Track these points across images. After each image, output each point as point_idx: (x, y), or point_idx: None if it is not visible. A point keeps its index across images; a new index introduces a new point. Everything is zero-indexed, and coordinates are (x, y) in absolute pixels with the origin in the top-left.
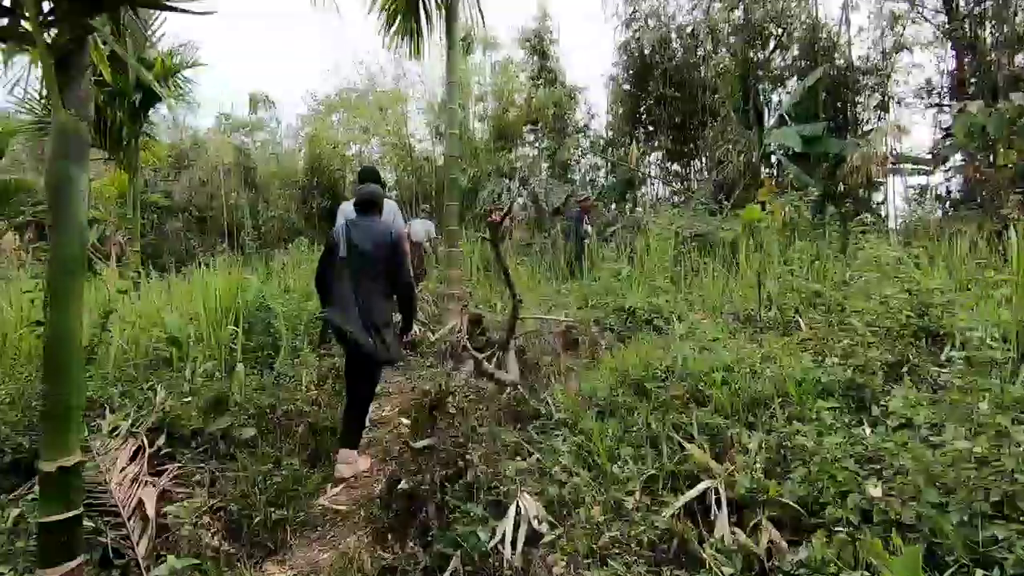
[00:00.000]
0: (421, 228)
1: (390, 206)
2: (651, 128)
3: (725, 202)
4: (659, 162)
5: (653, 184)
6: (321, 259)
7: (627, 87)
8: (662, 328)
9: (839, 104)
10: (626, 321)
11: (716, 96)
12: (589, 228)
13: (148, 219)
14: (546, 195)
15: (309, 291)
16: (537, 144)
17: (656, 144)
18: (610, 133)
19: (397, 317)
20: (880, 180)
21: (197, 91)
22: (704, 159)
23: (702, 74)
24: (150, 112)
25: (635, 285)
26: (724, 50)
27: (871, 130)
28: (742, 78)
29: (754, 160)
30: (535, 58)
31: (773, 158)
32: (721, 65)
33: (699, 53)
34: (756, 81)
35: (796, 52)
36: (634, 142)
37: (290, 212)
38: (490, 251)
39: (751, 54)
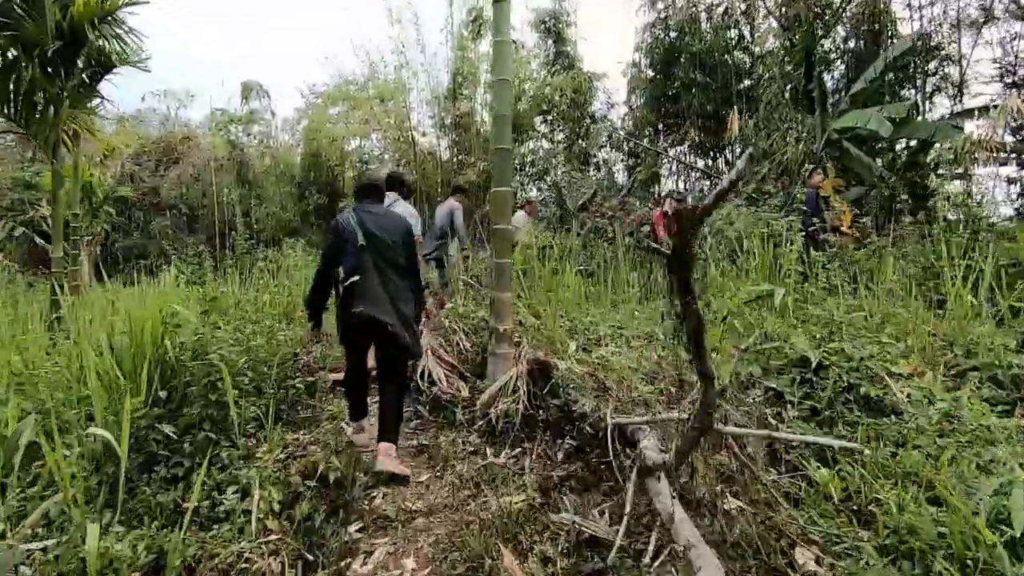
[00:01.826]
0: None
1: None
2: (675, 119)
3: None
4: (682, 155)
5: (677, 179)
6: (322, 269)
7: (651, 73)
8: (883, 403)
9: (899, 86)
10: (811, 385)
11: (761, 77)
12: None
13: (131, 216)
14: (569, 190)
15: (293, 306)
16: (551, 136)
17: (682, 135)
18: (630, 124)
19: None
20: (971, 172)
21: (190, 80)
22: (736, 151)
23: (734, 58)
24: (83, 72)
25: (782, 314)
26: (773, 22)
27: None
28: (806, 53)
29: (816, 149)
30: (550, 42)
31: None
32: (768, 42)
33: (731, 34)
34: (821, 57)
35: (843, 32)
36: (733, 113)
37: (286, 209)
38: (669, 279)
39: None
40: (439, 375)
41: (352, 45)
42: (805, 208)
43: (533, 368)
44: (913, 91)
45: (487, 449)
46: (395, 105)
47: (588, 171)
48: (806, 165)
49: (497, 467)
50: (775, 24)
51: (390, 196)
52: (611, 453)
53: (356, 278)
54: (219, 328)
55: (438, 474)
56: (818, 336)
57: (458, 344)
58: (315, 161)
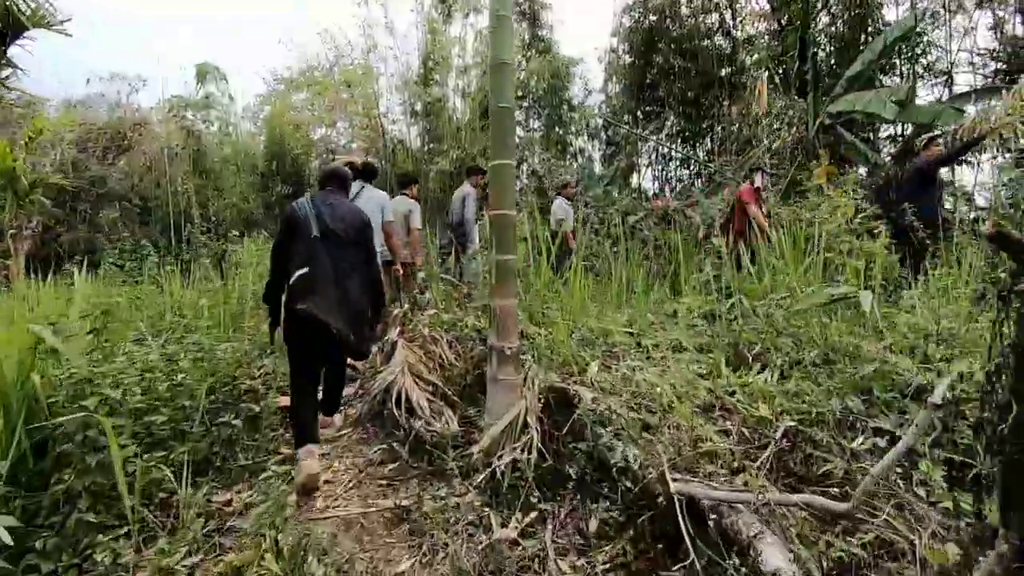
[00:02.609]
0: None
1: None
2: (654, 105)
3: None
4: (661, 144)
5: (648, 171)
6: (275, 261)
7: (629, 58)
8: None
9: (882, 72)
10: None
11: (744, 63)
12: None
13: (76, 208)
14: (548, 175)
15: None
16: (526, 123)
17: (662, 123)
18: (608, 111)
19: None
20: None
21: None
22: (715, 137)
23: (715, 43)
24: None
25: (861, 323)
26: (764, 2)
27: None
28: (800, 32)
29: (810, 134)
30: (524, 25)
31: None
32: (755, 23)
33: (713, 19)
34: (813, 39)
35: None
36: (761, 83)
37: (248, 200)
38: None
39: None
40: (419, 401)
41: (317, 27)
42: (896, 191)
43: (547, 398)
44: (898, 78)
45: (491, 516)
46: (362, 91)
47: (566, 159)
48: (798, 150)
49: (507, 547)
50: (766, 5)
51: (356, 185)
52: (686, 537)
53: (305, 271)
54: (125, 348)
55: (424, 559)
56: (937, 356)
57: (441, 358)
58: (278, 150)
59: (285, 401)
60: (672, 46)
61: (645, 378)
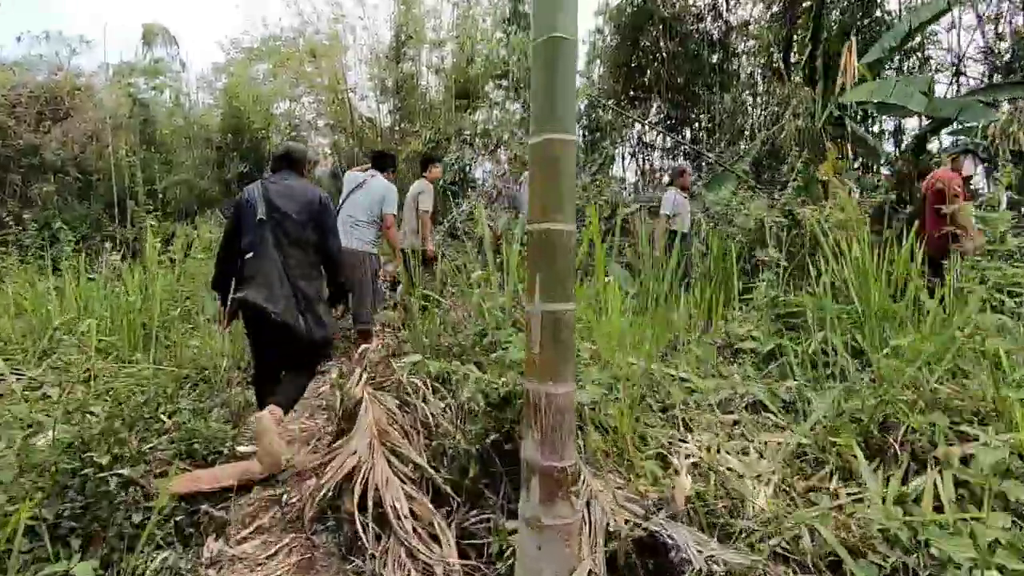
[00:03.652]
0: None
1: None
2: (641, 91)
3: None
4: (654, 129)
5: (632, 160)
6: (222, 247)
7: (614, 39)
8: None
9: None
10: None
11: (736, 48)
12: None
13: (3, 179)
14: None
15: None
16: (503, 104)
17: (648, 108)
18: (593, 94)
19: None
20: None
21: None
22: (702, 125)
23: (705, 26)
24: None
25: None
26: None
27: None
28: (815, 15)
29: (818, 125)
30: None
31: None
32: (750, 9)
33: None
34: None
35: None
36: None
37: (203, 177)
38: None
39: None
40: (395, 501)
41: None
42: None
43: (629, 556)
44: (894, 72)
45: None
46: (329, 64)
47: None
48: (803, 142)
49: None
50: None
51: (363, 175)
52: None
53: (250, 255)
54: None
55: None
56: None
57: (426, 423)
58: (236, 124)
59: (187, 485)
60: (661, 28)
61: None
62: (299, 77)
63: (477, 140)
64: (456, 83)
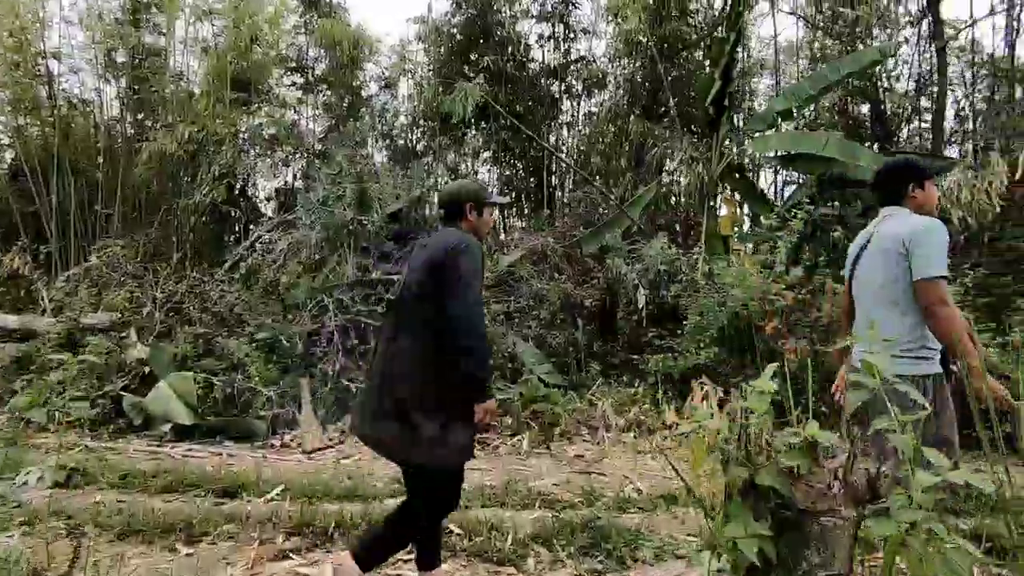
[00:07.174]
0: None
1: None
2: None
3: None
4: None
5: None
6: None
7: (439, 51)
8: None
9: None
10: None
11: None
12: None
13: None
14: (382, 192)
15: None
16: (298, 107)
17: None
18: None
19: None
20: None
21: None
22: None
23: (544, 54)
24: None
25: None
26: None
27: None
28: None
29: (713, 175)
30: None
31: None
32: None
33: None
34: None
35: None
36: None
37: None
38: None
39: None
40: None
41: None
42: None
43: None
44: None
45: None
46: (11, 13)
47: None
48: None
49: None
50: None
51: None
52: None
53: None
54: None
55: None
56: None
57: None
58: None
59: None
60: (496, 48)
61: None
62: None
63: (260, 148)
64: (232, 70)
